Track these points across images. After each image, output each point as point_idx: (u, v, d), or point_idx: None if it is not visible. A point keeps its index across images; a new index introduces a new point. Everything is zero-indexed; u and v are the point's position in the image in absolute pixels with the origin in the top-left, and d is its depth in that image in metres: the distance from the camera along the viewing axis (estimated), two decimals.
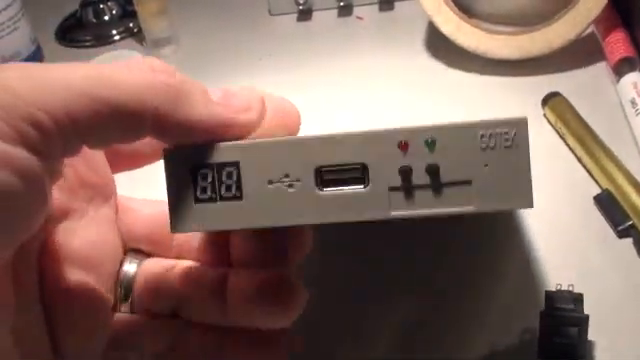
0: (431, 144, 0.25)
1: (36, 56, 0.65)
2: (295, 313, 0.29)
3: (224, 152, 0.26)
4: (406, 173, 0.25)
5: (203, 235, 0.32)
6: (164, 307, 0.31)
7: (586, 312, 0.33)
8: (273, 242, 0.30)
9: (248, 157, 0.26)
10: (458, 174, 0.25)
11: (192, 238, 0.32)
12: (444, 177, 0.25)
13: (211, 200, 0.26)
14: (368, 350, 0.35)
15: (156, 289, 0.31)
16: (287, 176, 0.26)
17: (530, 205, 0.25)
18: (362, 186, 0.26)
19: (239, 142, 0.27)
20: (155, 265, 0.32)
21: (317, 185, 0.26)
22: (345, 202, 0.26)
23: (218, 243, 0.31)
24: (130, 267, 0.31)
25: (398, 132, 0.26)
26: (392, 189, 0.26)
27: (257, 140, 0.27)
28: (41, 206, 0.24)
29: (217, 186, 0.26)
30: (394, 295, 0.38)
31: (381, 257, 0.40)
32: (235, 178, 0.26)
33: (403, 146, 0.25)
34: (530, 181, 0.25)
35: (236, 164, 0.26)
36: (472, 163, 0.25)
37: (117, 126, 0.25)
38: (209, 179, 0.26)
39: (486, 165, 0.25)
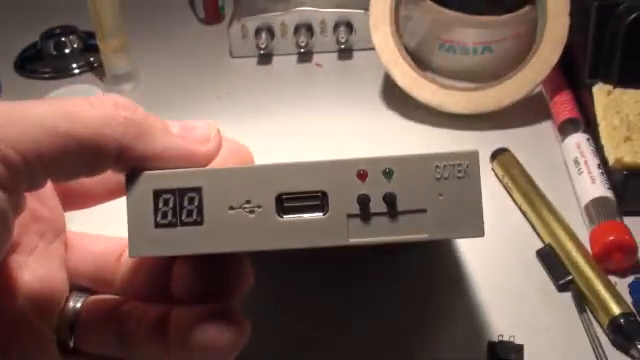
0: (389, 174, 0.26)
1: None
2: (238, 346, 0.28)
3: (187, 177, 0.27)
4: (364, 201, 0.26)
5: (146, 270, 0.32)
6: (109, 346, 0.31)
7: None
8: (214, 276, 0.30)
9: (211, 183, 0.27)
10: (414, 203, 0.26)
11: (136, 274, 0.32)
12: (400, 205, 0.26)
13: (171, 225, 0.27)
14: None
15: (100, 327, 0.31)
16: (248, 202, 0.27)
17: (481, 234, 0.26)
18: (321, 213, 0.27)
19: (202, 168, 0.27)
20: (99, 302, 0.32)
21: (277, 212, 0.27)
22: (305, 229, 0.27)
23: (161, 278, 0.31)
24: (75, 304, 0.31)
25: (357, 162, 0.27)
26: (350, 216, 0.26)
27: (220, 167, 0.28)
28: (5, 241, 0.25)
29: (178, 211, 0.27)
30: (333, 340, 0.38)
31: (327, 294, 0.41)
32: (197, 203, 0.27)
33: (362, 175, 0.26)
34: (481, 211, 0.26)
35: (198, 189, 0.27)
36: (427, 192, 0.26)
37: (82, 160, 0.26)
38: (170, 204, 0.27)
39: (440, 195, 0.26)
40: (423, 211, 0.26)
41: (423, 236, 0.26)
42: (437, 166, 0.26)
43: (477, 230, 0.26)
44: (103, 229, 0.34)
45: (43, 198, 0.31)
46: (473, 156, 0.26)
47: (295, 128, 0.58)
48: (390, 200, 0.26)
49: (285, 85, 0.64)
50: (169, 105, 0.61)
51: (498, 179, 0.49)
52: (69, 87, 0.64)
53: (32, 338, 0.29)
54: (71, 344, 0.31)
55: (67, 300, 0.31)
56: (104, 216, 0.36)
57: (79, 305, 0.31)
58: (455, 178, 0.26)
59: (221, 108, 0.61)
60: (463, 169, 0.26)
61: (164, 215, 0.27)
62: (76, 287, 0.32)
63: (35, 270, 0.30)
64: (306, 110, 0.60)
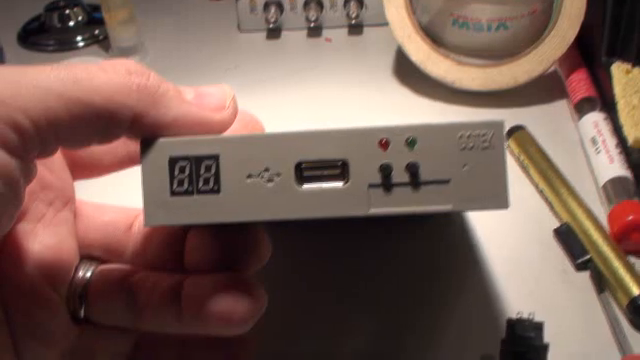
0: (412, 143, 0.26)
1: None
2: (253, 317, 0.28)
3: (204, 145, 0.26)
4: (386, 171, 0.26)
5: (159, 241, 0.31)
6: (120, 316, 0.30)
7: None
8: (229, 247, 0.29)
9: (228, 150, 0.26)
10: (437, 173, 0.26)
11: (149, 243, 0.31)
12: (423, 176, 0.26)
13: (187, 193, 0.26)
14: None
15: (111, 296, 0.30)
16: (266, 170, 0.26)
17: (505, 206, 0.26)
18: (342, 183, 0.26)
19: (220, 135, 0.27)
20: (109, 271, 0.31)
21: (296, 181, 0.26)
22: (324, 198, 0.26)
23: (174, 249, 0.31)
24: (85, 273, 0.31)
25: (379, 130, 0.26)
26: (372, 186, 0.26)
27: (238, 134, 0.27)
28: (16, 208, 0.25)
29: (195, 179, 0.26)
30: (351, 314, 0.38)
31: (342, 269, 0.40)
32: (214, 171, 0.26)
33: (384, 144, 0.26)
34: (506, 182, 0.26)
35: (215, 157, 0.26)
36: (451, 163, 0.26)
37: (94, 128, 0.25)
38: (187, 172, 0.26)
39: (464, 165, 0.26)
40: (446, 182, 0.26)
41: (446, 207, 0.26)
42: (462, 136, 0.26)
43: (502, 202, 0.26)
44: (114, 199, 0.33)
45: (52, 166, 0.30)
46: (498, 126, 0.26)
47: (304, 103, 0.57)
48: (413, 170, 0.26)
49: (294, 60, 0.63)
50: (175, 78, 0.59)
51: (514, 157, 0.48)
52: (74, 59, 0.63)
53: (43, 307, 0.29)
54: (82, 313, 0.30)
55: (77, 269, 0.31)
56: (115, 186, 0.35)
57: (89, 274, 0.31)
58: (480, 149, 0.26)
59: (229, 81, 0.60)
60: (488, 139, 0.26)
61: (180, 183, 0.26)
62: (86, 256, 0.31)
63: (44, 239, 0.29)
64: (316, 85, 0.59)
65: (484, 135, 0.26)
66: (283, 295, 0.38)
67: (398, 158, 0.26)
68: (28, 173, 0.25)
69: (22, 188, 0.24)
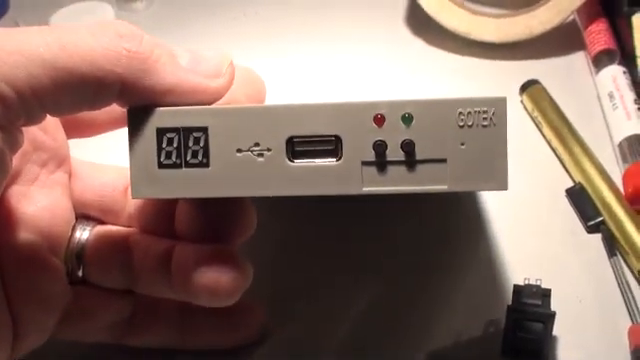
0: (408, 119, 0.25)
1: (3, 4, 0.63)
2: (238, 290, 0.28)
3: (193, 116, 0.25)
4: (380, 148, 0.25)
5: (153, 206, 0.31)
6: (117, 278, 0.30)
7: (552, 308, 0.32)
8: (215, 218, 0.29)
9: (218, 123, 0.25)
10: (433, 152, 0.25)
11: (143, 207, 0.31)
12: (419, 154, 0.25)
13: (175, 166, 0.25)
14: (330, 332, 0.34)
15: (108, 257, 0.30)
16: (257, 145, 0.25)
17: (504, 187, 0.25)
18: (334, 159, 0.25)
19: (209, 107, 0.26)
20: (106, 232, 0.31)
21: (288, 156, 0.25)
22: (316, 175, 0.25)
23: (166, 214, 0.30)
24: (82, 234, 0.30)
25: (375, 105, 0.25)
26: (365, 163, 0.25)
27: (228, 106, 0.26)
28: (2, 178, 0.24)
29: (183, 151, 0.25)
30: (358, 277, 0.37)
31: (348, 235, 0.39)
32: (202, 144, 0.25)
33: (379, 120, 0.25)
34: (506, 163, 0.25)
35: (204, 129, 0.25)
36: (448, 141, 0.25)
37: (81, 96, 0.24)
38: (175, 144, 0.25)
39: (462, 144, 0.25)
40: (443, 161, 0.25)
41: (442, 187, 0.25)
42: (461, 112, 0.25)
43: (500, 183, 0.25)
44: (108, 160, 0.32)
45: (45, 126, 0.29)
46: (500, 103, 0.25)
47: (316, 51, 0.55)
48: (408, 148, 0.25)
49: (307, 6, 0.61)
50: (185, 23, 0.58)
51: (527, 113, 0.47)
52: (79, 4, 0.61)
53: (42, 272, 0.29)
54: (79, 274, 0.30)
55: (74, 229, 0.30)
56: (109, 146, 0.35)
57: (86, 235, 0.31)
58: (479, 126, 0.25)
59: (243, 25, 0.58)
60: (489, 117, 0.25)
61: (168, 155, 0.25)
62: (83, 216, 0.31)
63: (38, 200, 0.29)
64: (328, 33, 0.57)
65: (485, 112, 0.25)
66: (286, 262, 0.38)
67: (393, 135, 0.25)
68: (13, 142, 0.24)
69: (7, 157, 0.24)
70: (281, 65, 0.52)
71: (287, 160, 0.25)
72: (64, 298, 0.30)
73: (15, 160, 0.28)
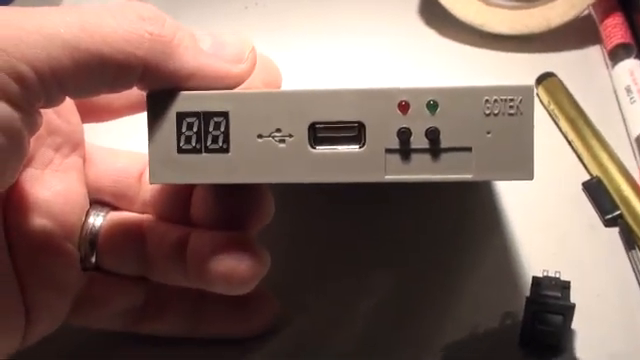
0: (433, 106, 0.24)
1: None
2: (255, 278, 0.27)
3: (213, 101, 0.25)
4: (405, 135, 0.24)
5: (169, 192, 0.30)
6: (130, 265, 0.30)
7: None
8: (232, 205, 0.28)
9: (239, 108, 0.25)
10: (459, 140, 0.25)
11: (158, 193, 0.30)
12: (444, 142, 0.25)
13: (195, 151, 0.25)
14: (344, 322, 0.34)
15: (122, 244, 0.30)
16: (279, 131, 0.25)
17: (530, 177, 0.25)
18: (357, 146, 0.25)
19: (230, 91, 0.25)
20: (120, 219, 0.31)
21: (310, 142, 0.25)
22: (338, 162, 0.25)
23: (183, 202, 0.30)
24: (96, 220, 0.30)
25: (399, 92, 0.24)
26: (389, 151, 0.25)
27: (250, 90, 0.26)
28: (19, 161, 0.24)
29: (203, 136, 0.25)
30: (372, 269, 0.36)
31: (359, 227, 0.39)
32: (223, 129, 0.25)
33: (403, 107, 0.24)
34: (532, 152, 0.24)
35: (225, 114, 0.25)
36: (474, 129, 0.24)
37: (102, 78, 0.24)
38: (195, 128, 0.25)
39: (488, 132, 0.24)
40: (468, 149, 0.24)
41: (467, 176, 0.25)
42: (487, 100, 0.24)
43: (526, 173, 0.25)
44: (123, 146, 0.32)
45: (60, 110, 0.29)
46: (528, 91, 0.24)
47: (327, 42, 0.55)
48: (433, 136, 0.24)
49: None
50: (186, 11, 0.58)
51: (543, 106, 0.46)
52: None
53: (55, 255, 0.28)
54: (93, 260, 0.30)
55: (87, 215, 0.30)
56: (126, 132, 0.34)
57: (100, 221, 0.30)
58: (506, 115, 0.24)
59: (248, 16, 0.58)
60: (515, 105, 0.24)
61: (188, 140, 0.25)
62: (97, 201, 0.31)
63: (52, 185, 0.29)
64: (339, 23, 0.57)
65: (512, 100, 0.24)
66: (296, 255, 0.37)
67: (418, 122, 0.24)
68: (32, 124, 0.24)
69: (26, 140, 0.23)
70: (290, 52, 0.52)
71: (309, 146, 0.25)
72: (77, 284, 0.29)
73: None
